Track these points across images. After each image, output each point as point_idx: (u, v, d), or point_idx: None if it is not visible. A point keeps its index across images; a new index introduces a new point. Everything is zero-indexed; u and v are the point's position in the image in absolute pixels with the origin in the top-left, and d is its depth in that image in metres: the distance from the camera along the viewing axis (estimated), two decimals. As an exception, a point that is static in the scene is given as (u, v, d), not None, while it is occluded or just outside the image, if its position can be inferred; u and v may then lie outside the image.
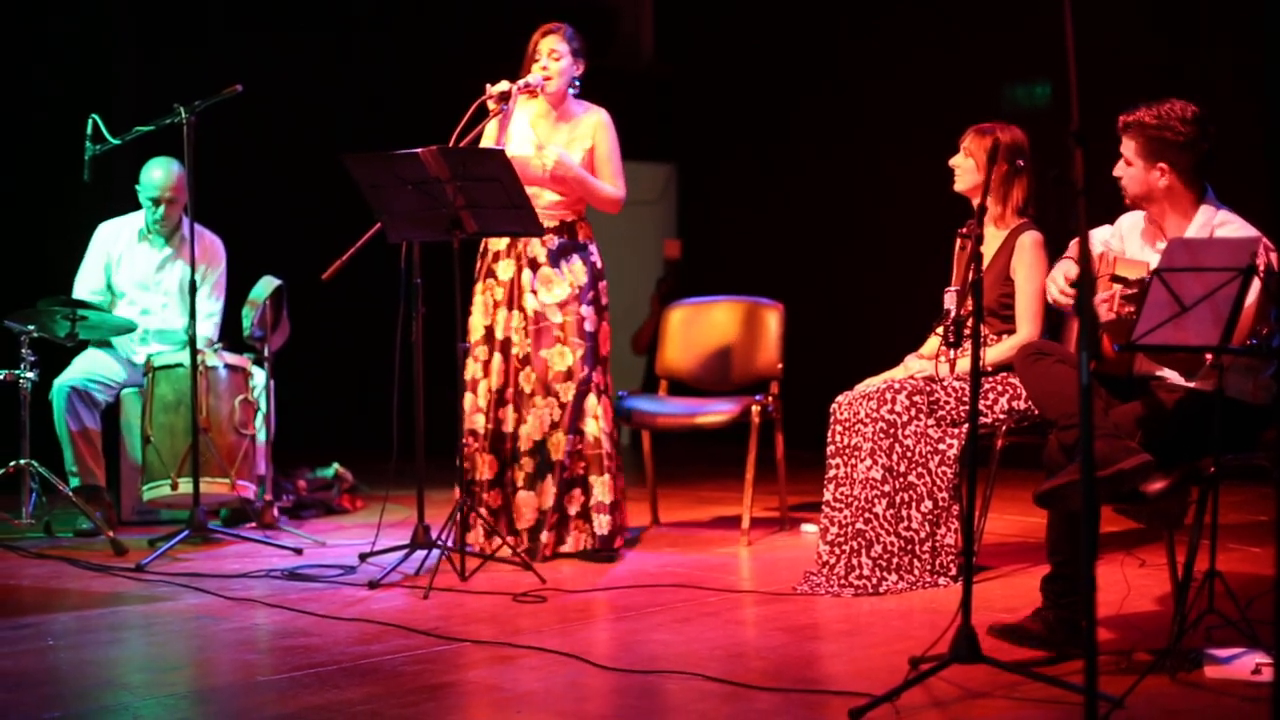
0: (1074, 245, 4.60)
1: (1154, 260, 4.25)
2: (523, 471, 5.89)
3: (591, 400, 5.88)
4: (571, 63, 5.94)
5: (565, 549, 5.85)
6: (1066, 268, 4.44)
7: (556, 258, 5.94)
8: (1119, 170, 4.44)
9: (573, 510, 5.86)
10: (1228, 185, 4.50)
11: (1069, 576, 4.22)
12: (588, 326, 5.93)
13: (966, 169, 5.46)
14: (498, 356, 5.93)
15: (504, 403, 5.92)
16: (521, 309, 5.92)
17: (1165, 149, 4.32)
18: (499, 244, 5.98)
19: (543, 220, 5.85)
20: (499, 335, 5.94)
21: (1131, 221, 4.55)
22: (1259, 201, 4.66)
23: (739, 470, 6.46)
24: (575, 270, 5.95)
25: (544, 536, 5.85)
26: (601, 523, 5.83)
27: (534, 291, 5.91)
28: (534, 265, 5.93)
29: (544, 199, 5.92)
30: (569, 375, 5.87)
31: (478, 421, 5.91)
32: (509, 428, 5.92)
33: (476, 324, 6.00)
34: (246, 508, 6.61)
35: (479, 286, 6.03)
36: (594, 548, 5.83)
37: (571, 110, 6.02)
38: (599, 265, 6.04)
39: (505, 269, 5.97)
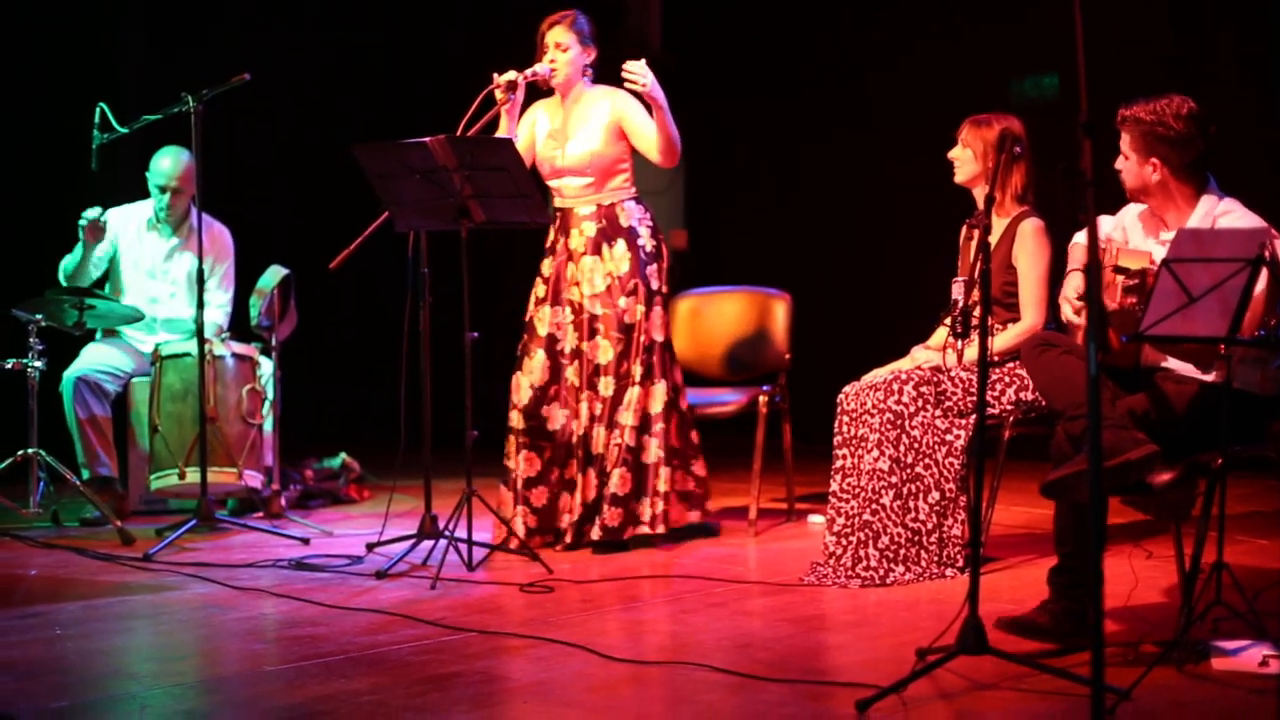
0: (1075, 249, 4.61)
1: (1156, 251, 4.26)
2: (574, 466, 5.90)
3: (629, 394, 5.86)
4: (580, 51, 5.92)
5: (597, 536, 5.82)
6: (1076, 283, 4.43)
7: (596, 245, 5.92)
8: (1118, 163, 4.44)
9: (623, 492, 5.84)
10: (1232, 175, 4.48)
11: (1076, 568, 4.21)
12: (627, 319, 5.88)
13: (965, 160, 5.46)
14: (540, 353, 5.92)
15: (548, 400, 5.91)
16: (569, 303, 5.92)
17: (1158, 144, 4.32)
18: (548, 240, 5.98)
19: (577, 208, 5.85)
20: (541, 332, 5.94)
21: (1135, 213, 4.55)
22: (1262, 191, 4.65)
23: (746, 461, 6.46)
24: (616, 258, 5.91)
25: (587, 529, 5.84)
26: (611, 514, 5.83)
27: (577, 284, 5.91)
28: (575, 257, 5.92)
29: (574, 186, 5.91)
30: (607, 370, 5.87)
31: (513, 418, 5.93)
32: (554, 425, 5.92)
33: (531, 322, 6.02)
34: (254, 497, 6.62)
35: (533, 284, 6.04)
36: (601, 539, 5.82)
37: (587, 96, 5.99)
38: (649, 249, 5.96)
39: (548, 265, 5.99)
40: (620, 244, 5.92)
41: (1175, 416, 4.24)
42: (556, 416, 5.91)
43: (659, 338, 5.97)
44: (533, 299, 6.02)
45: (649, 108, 5.83)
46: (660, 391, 5.94)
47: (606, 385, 5.87)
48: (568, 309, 5.94)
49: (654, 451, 5.90)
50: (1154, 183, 4.37)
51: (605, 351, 5.88)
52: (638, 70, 5.71)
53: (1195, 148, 4.32)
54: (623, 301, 5.89)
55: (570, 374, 5.92)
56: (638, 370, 5.89)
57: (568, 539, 5.87)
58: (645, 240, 5.97)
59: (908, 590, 5.07)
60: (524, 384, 5.92)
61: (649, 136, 5.86)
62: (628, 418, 5.85)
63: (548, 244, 6.03)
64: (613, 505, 5.82)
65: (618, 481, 5.83)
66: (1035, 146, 5.44)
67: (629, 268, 5.91)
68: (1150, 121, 4.32)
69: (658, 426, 5.92)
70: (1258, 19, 7.68)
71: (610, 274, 5.90)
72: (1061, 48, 3.35)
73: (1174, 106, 4.31)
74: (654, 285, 5.97)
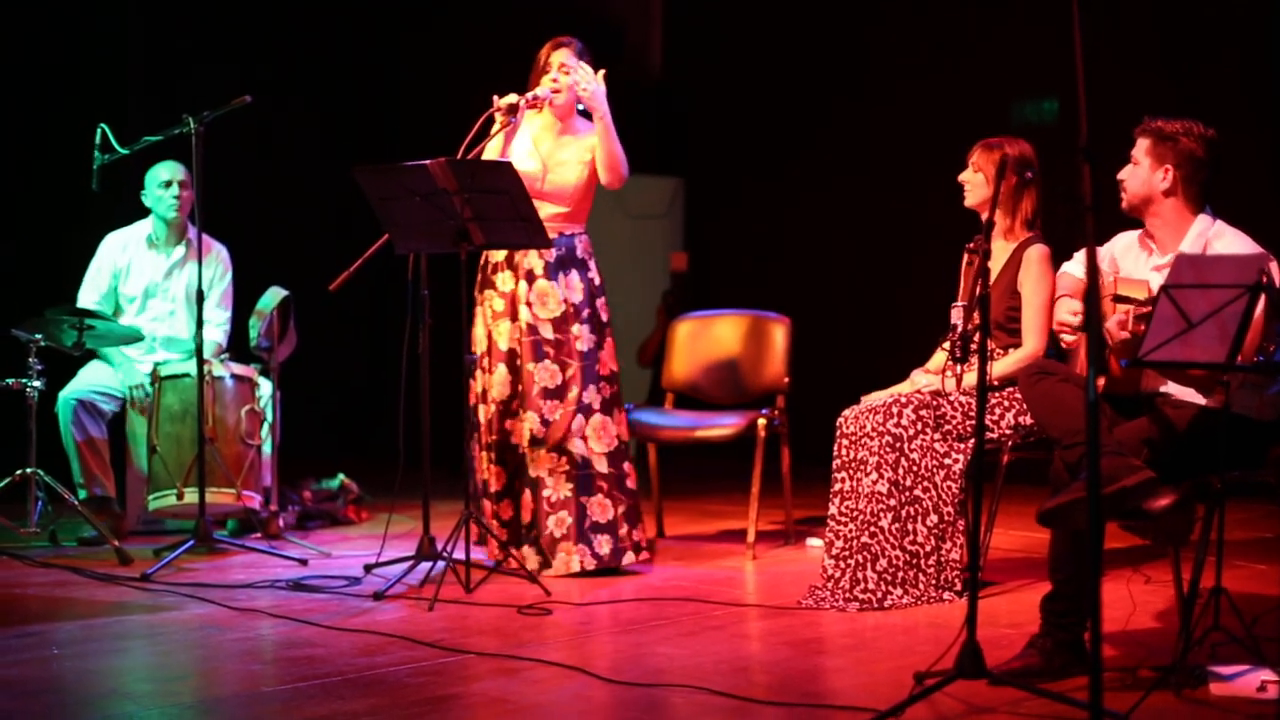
0: (1064, 277, 4.63)
1: (1152, 278, 4.28)
2: (508, 477, 5.90)
3: (579, 421, 5.86)
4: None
5: (550, 573, 5.78)
6: (1070, 306, 4.45)
7: (554, 270, 5.91)
8: (1124, 172, 4.46)
9: (559, 533, 5.82)
10: (1231, 203, 4.50)
11: (1070, 595, 4.19)
12: (580, 346, 5.89)
13: (976, 184, 5.46)
14: (502, 368, 5.91)
15: (510, 414, 5.92)
16: (524, 322, 5.92)
17: (1175, 152, 4.38)
18: (498, 256, 5.98)
19: None
20: (503, 347, 5.92)
21: (1124, 243, 4.57)
22: (1262, 221, 4.66)
23: (745, 484, 6.46)
24: (572, 286, 5.92)
25: (526, 550, 5.84)
26: (601, 542, 5.82)
27: (528, 304, 5.90)
28: (530, 278, 5.92)
29: (545, 211, 5.91)
30: (555, 394, 5.86)
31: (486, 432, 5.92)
32: (516, 439, 5.92)
33: (480, 336, 5.99)
34: (252, 518, 6.62)
35: (479, 298, 6.02)
36: (596, 568, 5.81)
37: (576, 127, 6.01)
38: (597, 282, 6.00)
39: (505, 280, 5.95)
40: (574, 274, 5.94)
41: (1174, 442, 4.24)
42: (518, 430, 5.91)
43: (614, 368, 6.00)
44: (489, 313, 5.97)
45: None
46: (623, 420, 5.99)
47: (553, 409, 5.86)
48: (523, 327, 5.92)
49: (627, 480, 5.95)
50: (1160, 191, 4.39)
51: (554, 375, 5.87)
52: (583, 76, 5.76)
53: (1206, 170, 4.38)
54: (576, 328, 5.90)
55: (522, 390, 5.91)
56: (590, 397, 5.88)
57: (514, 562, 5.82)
58: (594, 274, 6.00)
59: (906, 614, 5.07)
60: (489, 398, 5.92)
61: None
62: (596, 445, 5.85)
63: (501, 259, 6.00)
64: (597, 533, 5.81)
65: (598, 509, 5.82)
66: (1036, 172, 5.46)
67: (582, 297, 5.93)
68: (1175, 131, 4.39)
69: (630, 453, 5.98)
70: (1259, 46, 7.72)
71: (565, 300, 5.90)
72: (1065, 73, 3.36)
73: (1199, 128, 4.41)
74: (604, 317, 6.00)
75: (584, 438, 5.84)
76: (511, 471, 5.93)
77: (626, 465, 5.94)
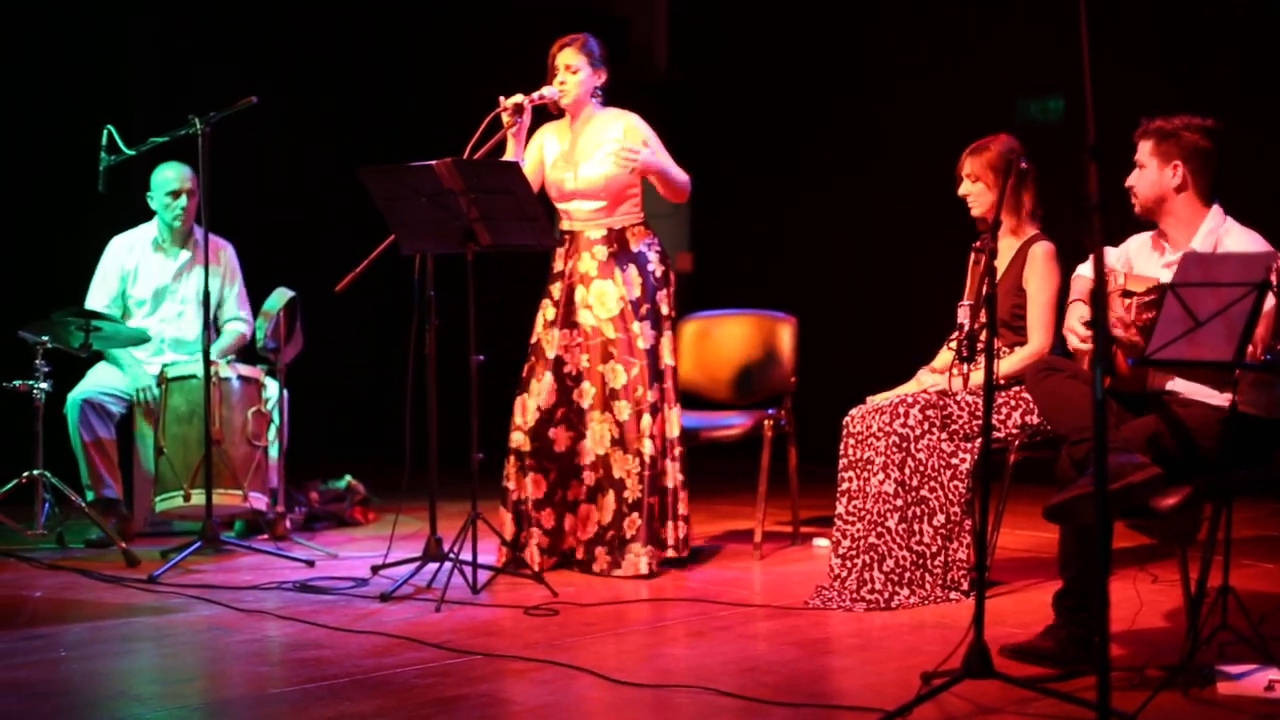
0: (1078, 280, 4.62)
1: (1161, 274, 4.27)
2: (584, 486, 5.87)
3: (646, 420, 5.83)
4: (591, 73, 5.92)
5: (620, 573, 5.77)
6: (1081, 312, 4.44)
7: (607, 269, 5.90)
8: (1132, 178, 4.45)
9: (629, 534, 5.81)
10: (1230, 209, 4.49)
11: (1080, 592, 4.21)
12: (641, 344, 5.85)
13: (978, 192, 5.41)
14: (549, 375, 5.89)
15: (555, 422, 5.88)
16: (576, 325, 5.90)
17: (1179, 148, 4.38)
18: (557, 265, 5.98)
19: (587, 231, 5.85)
20: (549, 354, 5.91)
21: (1138, 244, 4.57)
22: (1265, 221, 4.65)
23: (751, 484, 6.45)
24: (630, 282, 5.89)
25: (598, 552, 5.84)
26: (661, 540, 5.83)
27: (588, 307, 5.90)
28: (585, 280, 5.91)
29: (584, 209, 5.91)
30: (622, 394, 5.84)
31: (517, 439, 5.88)
32: (561, 447, 5.88)
33: (538, 344, 5.99)
34: (259, 519, 6.62)
35: (539, 307, 6.02)
36: (650, 571, 5.78)
37: (598, 118, 5.98)
38: (658, 274, 5.96)
39: (557, 288, 5.95)
40: (631, 268, 5.91)
41: (1181, 440, 4.23)
42: (562, 439, 5.90)
43: (670, 363, 5.97)
44: (540, 321, 5.99)
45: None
46: (676, 417, 5.94)
47: (621, 410, 5.83)
48: (571, 332, 5.92)
49: (674, 475, 5.89)
50: (1173, 188, 4.39)
51: (619, 375, 5.86)
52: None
53: (1214, 162, 4.38)
54: (636, 326, 5.88)
55: (578, 396, 5.90)
56: (654, 395, 5.86)
57: (579, 555, 5.87)
58: (654, 265, 5.96)
59: (913, 614, 5.07)
60: (530, 406, 5.89)
61: (664, 155, 5.92)
62: (650, 445, 5.83)
63: (556, 267, 6.02)
64: (660, 532, 5.81)
65: (659, 509, 5.82)
66: (1041, 171, 5.44)
67: (640, 293, 5.91)
68: (1175, 127, 4.39)
69: (677, 450, 5.91)
70: (1259, 46, 7.71)
71: (623, 298, 5.88)
72: (1071, 71, 3.36)
73: (1198, 119, 4.41)
74: (664, 310, 5.97)
75: (652, 437, 5.83)
76: (553, 480, 5.90)
77: (665, 463, 5.87)
